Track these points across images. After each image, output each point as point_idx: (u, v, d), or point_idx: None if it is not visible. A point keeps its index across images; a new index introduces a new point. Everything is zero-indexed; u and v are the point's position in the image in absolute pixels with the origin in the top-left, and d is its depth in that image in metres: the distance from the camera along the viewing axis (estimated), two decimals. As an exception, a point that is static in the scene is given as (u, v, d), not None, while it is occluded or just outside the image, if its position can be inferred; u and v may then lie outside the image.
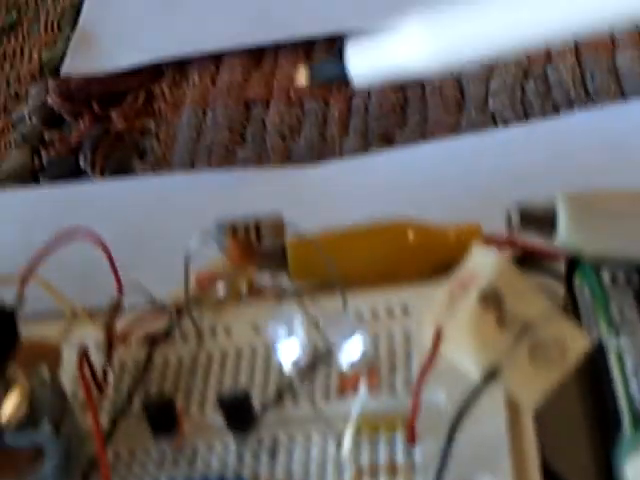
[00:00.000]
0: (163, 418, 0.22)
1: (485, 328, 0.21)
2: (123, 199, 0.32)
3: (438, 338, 0.21)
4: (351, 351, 0.21)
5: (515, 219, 0.22)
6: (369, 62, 0.21)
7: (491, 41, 0.19)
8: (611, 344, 0.22)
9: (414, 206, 0.31)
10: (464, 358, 0.21)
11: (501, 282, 0.21)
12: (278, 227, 0.22)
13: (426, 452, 0.21)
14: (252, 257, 0.22)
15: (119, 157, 0.34)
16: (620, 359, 0.22)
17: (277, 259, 0.26)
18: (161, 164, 0.33)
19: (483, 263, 0.22)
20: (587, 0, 0.18)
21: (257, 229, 0.22)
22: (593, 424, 0.22)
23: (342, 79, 0.21)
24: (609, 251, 0.22)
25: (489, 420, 0.21)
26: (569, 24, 0.18)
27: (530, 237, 0.22)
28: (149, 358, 0.24)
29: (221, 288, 0.22)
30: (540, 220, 0.22)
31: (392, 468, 0.21)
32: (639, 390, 0.21)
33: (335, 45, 0.37)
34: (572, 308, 0.24)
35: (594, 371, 0.23)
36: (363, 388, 0.21)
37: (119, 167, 0.33)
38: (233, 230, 0.22)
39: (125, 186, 0.32)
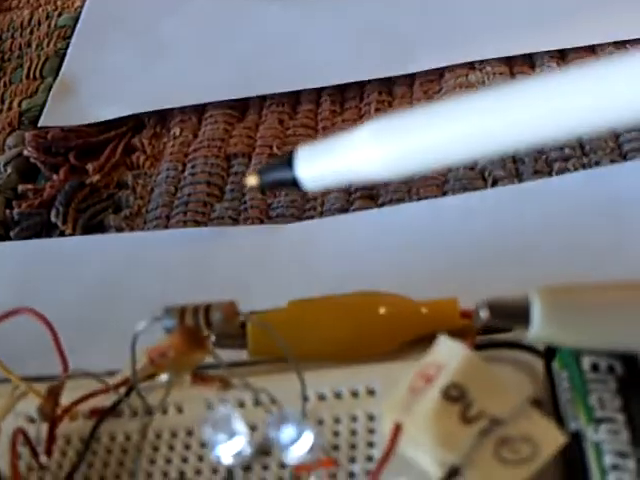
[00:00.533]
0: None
1: (447, 424, 0.19)
2: (94, 255, 0.31)
3: (396, 433, 0.20)
4: (298, 450, 0.19)
5: (484, 314, 0.20)
6: (319, 168, 0.20)
7: (444, 151, 0.18)
8: (590, 436, 0.20)
9: (395, 268, 0.29)
10: (424, 455, 0.19)
11: (467, 377, 0.20)
12: (229, 312, 0.21)
13: None
14: (199, 344, 0.21)
15: (92, 211, 0.32)
16: (598, 451, 0.20)
17: (237, 336, 0.24)
18: (135, 218, 0.32)
19: (449, 356, 0.20)
20: (549, 108, 0.17)
21: (207, 315, 0.21)
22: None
23: (291, 184, 0.20)
24: (585, 344, 0.21)
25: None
26: (527, 134, 0.17)
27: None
28: (93, 433, 0.22)
29: (164, 377, 0.21)
30: (511, 315, 0.20)
31: None
32: (618, 487, 0.19)
33: (318, 100, 0.35)
34: (551, 392, 0.22)
35: (570, 463, 0.21)
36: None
37: (92, 221, 0.32)
38: (181, 315, 0.21)
39: (96, 242, 0.31)
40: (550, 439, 0.19)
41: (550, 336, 0.20)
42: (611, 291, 0.20)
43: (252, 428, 0.21)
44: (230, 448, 0.19)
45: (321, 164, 0.20)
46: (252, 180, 0.21)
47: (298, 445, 0.19)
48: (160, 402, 0.21)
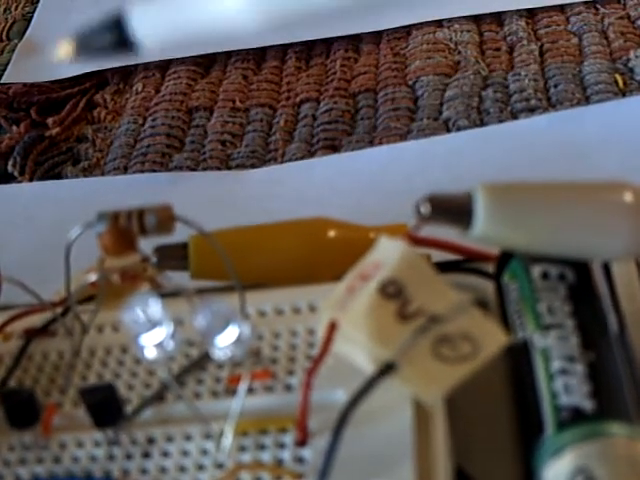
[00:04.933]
0: (22, 411, 0.19)
1: (382, 320, 0.18)
2: (49, 201, 0.30)
3: (331, 331, 0.19)
4: (223, 343, 0.18)
5: (425, 209, 0.19)
6: (164, 22, 0.16)
7: None
8: (537, 342, 0.19)
9: (354, 211, 0.29)
10: (358, 352, 0.19)
11: (405, 273, 0.19)
12: (164, 216, 0.20)
13: (318, 453, 0.18)
14: (129, 244, 0.20)
15: (51, 163, 0.32)
16: (546, 358, 0.19)
17: (178, 256, 0.23)
18: (93, 170, 0.31)
19: (388, 254, 0.19)
20: None
21: (141, 218, 0.20)
22: (515, 427, 0.19)
23: (119, 48, 0.17)
24: (527, 243, 0.20)
25: (392, 419, 0.19)
26: None
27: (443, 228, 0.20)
28: (23, 351, 0.21)
29: (92, 277, 0.20)
30: (453, 211, 0.20)
31: (277, 468, 0.18)
32: (564, 390, 0.18)
33: (284, 57, 0.35)
34: (501, 307, 0.21)
35: (518, 372, 0.20)
36: (243, 386, 0.19)
37: (50, 172, 0.32)
38: (114, 219, 0.20)
39: (53, 188, 0.30)
40: (492, 338, 0.18)
41: (493, 233, 0.19)
42: (557, 189, 0.20)
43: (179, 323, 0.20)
44: (152, 338, 0.18)
45: (167, 17, 0.16)
46: (64, 49, 0.18)
47: (223, 336, 0.18)
48: (95, 308, 0.20)
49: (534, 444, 0.18)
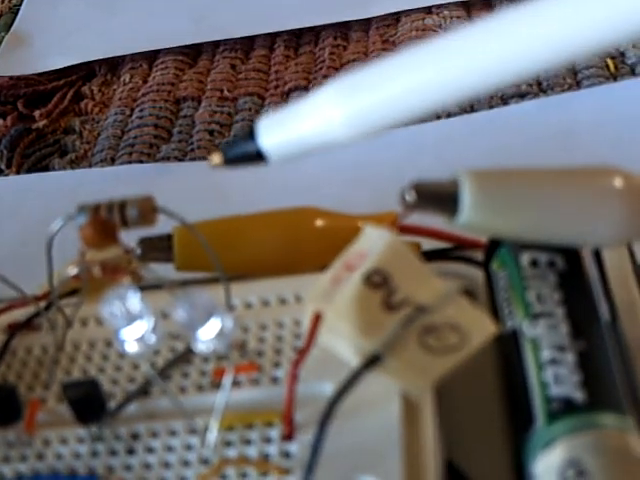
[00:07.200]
0: (4, 407, 0.19)
1: (367, 311, 0.18)
2: (37, 193, 0.30)
3: (316, 323, 0.18)
4: (205, 337, 0.18)
5: (410, 197, 0.19)
6: (282, 137, 0.18)
7: (408, 102, 0.17)
8: (526, 331, 0.19)
9: (343, 200, 0.28)
10: (343, 344, 0.18)
11: (391, 262, 0.18)
12: (146, 208, 0.20)
13: (305, 447, 0.18)
14: (110, 236, 0.19)
15: (38, 155, 0.31)
16: (535, 347, 0.19)
17: (162, 247, 0.23)
18: (81, 162, 0.31)
19: (373, 243, 0.19)
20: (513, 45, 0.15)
21: (122, 210, 0.20)
22: (505, 419, 0.19)
23: (256, 157, 0.19)
24: (514, 230, 0.19)
25: (380, 412, 0.18)
26: (491, 73, 0.16)
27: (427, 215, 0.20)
28: (6, 346, 0.21)
29: (73, 270, 0.20)
30: (439, 198, 0.19)
31: (263, 463, 0.18)
32: (555, 381, 0.18)
33: (272, 46, 0.35)
34: (490, 296, 0.21)
35: (508, 362, 0.19)
36: (228, 379, 0.19)
37: (37, 165, 0.31)
38: (95, 211, 0.20)
39: (39, 180, 0.30)
40: (480, 328, 0.18)
41: (480, 221, 0.19)
42: (545, 175, 0.19)
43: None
44: (132, 332, 0.18)
45: (284, 132, 0.18)
46: (216, 158, 0.20)
47: (204, 329, 0.18)
48: (78, 302, 0.20)
49: (524, 436, 0.18)
